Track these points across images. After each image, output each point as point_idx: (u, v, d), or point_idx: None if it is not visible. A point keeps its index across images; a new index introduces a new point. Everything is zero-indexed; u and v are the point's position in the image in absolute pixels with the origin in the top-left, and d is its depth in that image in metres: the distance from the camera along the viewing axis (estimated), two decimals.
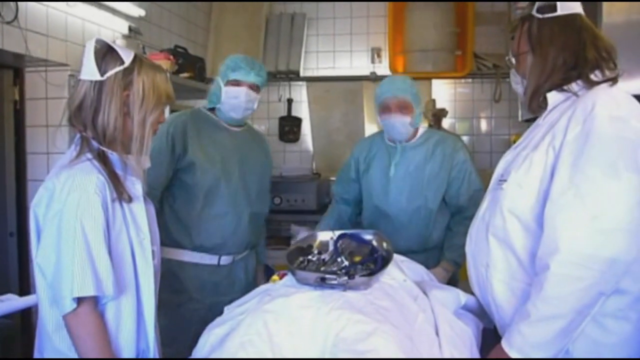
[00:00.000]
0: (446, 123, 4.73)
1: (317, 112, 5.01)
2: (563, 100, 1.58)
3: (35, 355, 1.57)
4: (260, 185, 2.56)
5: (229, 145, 2.44)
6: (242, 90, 2.35)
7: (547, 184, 1.50)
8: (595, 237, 1.37)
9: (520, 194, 1.56)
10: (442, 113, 4.58)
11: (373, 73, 4.73)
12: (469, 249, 1.78)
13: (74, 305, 1.41)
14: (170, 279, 2.29)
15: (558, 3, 1.60)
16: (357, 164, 2.75)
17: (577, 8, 1.63)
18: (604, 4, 2.37)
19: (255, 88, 2.40)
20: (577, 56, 1.57)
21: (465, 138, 4.86)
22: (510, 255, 1.59)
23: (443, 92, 4.85)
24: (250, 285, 2.41)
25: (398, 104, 2.50)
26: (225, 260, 2.43)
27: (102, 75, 1.51)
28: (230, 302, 2.39)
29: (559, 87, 1.59)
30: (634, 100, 1.53)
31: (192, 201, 2.33)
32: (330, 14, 5.03)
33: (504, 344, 1.51)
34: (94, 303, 1.46)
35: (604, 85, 1.55)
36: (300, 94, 5.07)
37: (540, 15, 1.62)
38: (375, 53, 4.88)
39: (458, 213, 2.58)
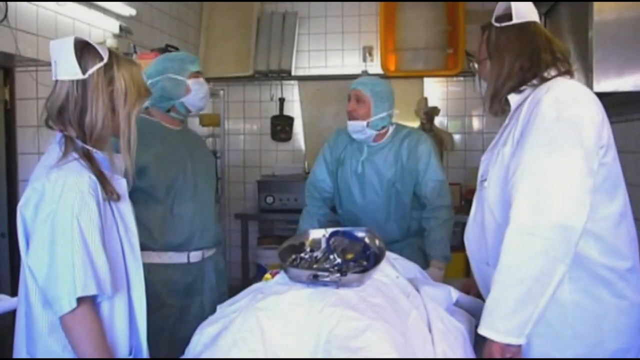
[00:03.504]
0: (438, 121, 4.73)
1: (309, 111, 5.01)
2: (523, 99, 1.68)
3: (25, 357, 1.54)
4: (210, 181, 2.60)
5: (176, 144, 2.44)
6: (203, 80, 2.47)
7: None
8: (541, 206, 1.46)
9: (500, 188, 1.64)
10: (434, 111, 4.59)
11: (365, 72, 4.72)
12: (469, 251, 1.82)
13: (74, 305, 1.39)
14: None
15: (513, 12, 1.71)
16: (331, 159, 2.79)
17: (532, 16, 1.73)
18: (595, 2, 2.39)
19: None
20: (532, 60, 1.67)
21: (457, 136, 4.88)
22: None
23: (435, 90, 4.86)
24: (221, 287, 2.49)
25: (355, 96, 2.61)
26: (194, 257, 2.40)
27: (83, 73, 1.49)
28: (200, 302, 2.38)
29: (516, 89, 1.69)
30: (584, 89, 1.64)
31: (151, 204, 2.30)
32: (322, 13, 5.02)
33: (479, 329, 1.54)
34: (92, 302, 1.45)
35: (559, 78, 1.65)
36: (292, 93, 5.07)
37: (497, 24, 1.74)
38: (367, 52, 4.88)
39: (426, 205, 2.64)
